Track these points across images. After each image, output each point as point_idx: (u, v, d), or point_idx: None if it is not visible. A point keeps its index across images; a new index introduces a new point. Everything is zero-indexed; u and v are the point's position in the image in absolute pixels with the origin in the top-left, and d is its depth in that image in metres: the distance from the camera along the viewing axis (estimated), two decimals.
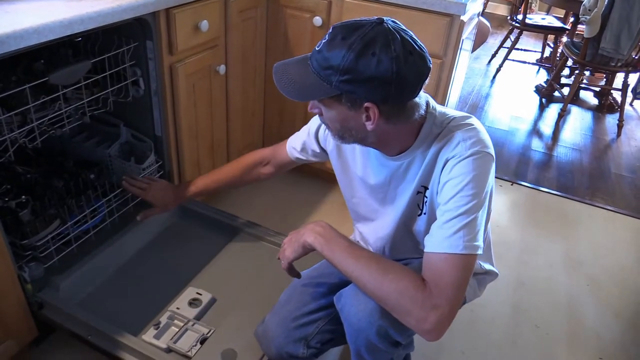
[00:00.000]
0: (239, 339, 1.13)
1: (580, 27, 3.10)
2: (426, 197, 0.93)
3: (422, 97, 0.87)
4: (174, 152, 1.50)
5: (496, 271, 1.13)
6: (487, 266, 1.11)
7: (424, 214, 0.95)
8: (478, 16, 1.93)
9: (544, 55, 3.88)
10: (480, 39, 2.62)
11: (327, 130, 0.97)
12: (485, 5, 4.30)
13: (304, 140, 1.16)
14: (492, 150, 0.87)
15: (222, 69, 1.55)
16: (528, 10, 3.42)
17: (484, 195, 0.83)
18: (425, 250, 0.83)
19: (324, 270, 1.11)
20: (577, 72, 2.98)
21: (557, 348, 1.50)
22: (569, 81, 3.36)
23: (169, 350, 1.10)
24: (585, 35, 2.71)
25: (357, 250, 0.87)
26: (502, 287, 1.68)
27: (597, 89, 3.39)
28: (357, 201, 1.09)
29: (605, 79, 3.37)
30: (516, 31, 3.55)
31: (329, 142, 1.09)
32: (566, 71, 3.53)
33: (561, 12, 4.02)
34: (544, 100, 3.34)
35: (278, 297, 1.12)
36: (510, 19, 3.54)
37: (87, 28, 1.04)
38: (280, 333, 1.04)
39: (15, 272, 1.10)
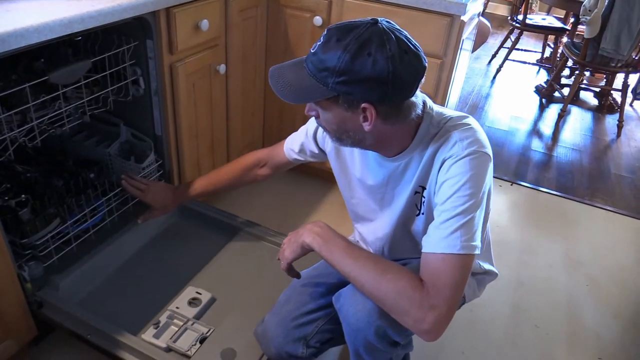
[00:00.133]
0: (239, 338, 1.13)
1: (581, 27, 3.10)
2: (424, 197, 0.93)
3: (419, 97, 0.87)
4: (174, 152, 1.50)
5: (496, 271, 1.13)
6: (487, 266, 1.11)
7: (422, 214, 0.95)
8: (478, 16, 1.93)
9: (544, 56, 3.88)
10: (480, 39, 2.62)
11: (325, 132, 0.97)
12: (485, 5, 4.30)
13: (302, 141, 1.16)
14: (489, 150, 0.87)
15: (222, 68, 1.55)
16: (528, 11, 3.42)
17: (481, 195, 0.83)
18: (422, 250, 0.83)
19: (323, 270, 1.11)
20: (577, 72, 2.98)
21: (557, 348, 1.50)
22: (569, 81, 3.36)
23: (168, 349, 1.09)
24: (585, 36, 2.72)
25: (355, 251, 0.87)
26: (502, 287, 1.68)
27: (597, 89, 3.39)
28: (356, 202, 1.09)
29: (605, 80, 3.37)
30: (516, 31, 3.55)
31: (328, 142, 1.09)
32: (566, 71, 3.53)
33: (561, 13, 4.02)
34: (544, 100, 3.34)
35: (277, 297, 1.12)
36: (510, 19, 3.54)
37: (87, 27, 1.04)
38: (280, 333, 1.04)
39: (15, 271, 1.10)
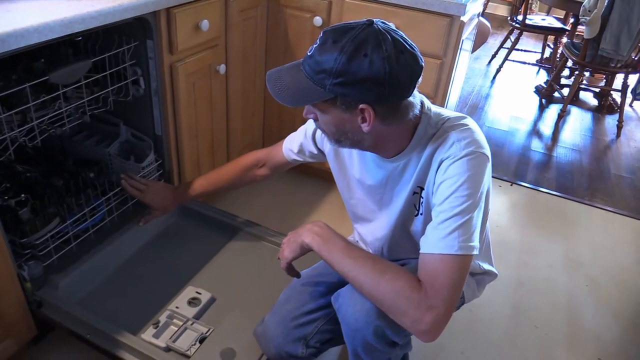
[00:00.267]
0: (238, 338, 1.13)
1: (580, 28, 3.10)
2: (422, 198, 0.93)
3: (417, 97, 0.87)
4: (174, 152, 1.50)
5: (495, 271, 1.13)
6: (487, 266, 1.11)
7: (421, 214, 0.95)
8: (478, 17, 1.94)
9: (544, 56, 3.88)
10: (480, 40, 2.62)
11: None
12: (485, 5, 4.30)
13: (301, 141, 1.16)
14: (487, 151, 0.87)
15: (222, 68, 1.55)
16: (528, 11, 3.42)
17: (479, 196, 0.83)
18: (420, 251, 0.83)
19: (323, 270, 1.11)
20: (576, 72, 2.98)
21: (557, 348, 1.50)
22: (569, 82, 3.36)
23: (168, 349, 1.10)
24: (585, 36, 2.72)
25: (354, 251, 0.87)
26: (502, 287, 1.68)
27: (597, 89, 3.40)
28: (355, 202, 1.09)
29: (605, 80, 3.38)
30: (516, 32, 3.55)
31: (326, 143, 1.09)
32: (566, 72, 3.53)
33: (561, 13, 4.02)
34: (543, 100, 3.34)
35: (277, 296, 1.12)
36: (510, 19, 3.54)
37: (87, 27, 1.04)
38: (280, 333, 1.04)
39: (14, 270, 1.10)
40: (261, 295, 1.23)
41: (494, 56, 3.88)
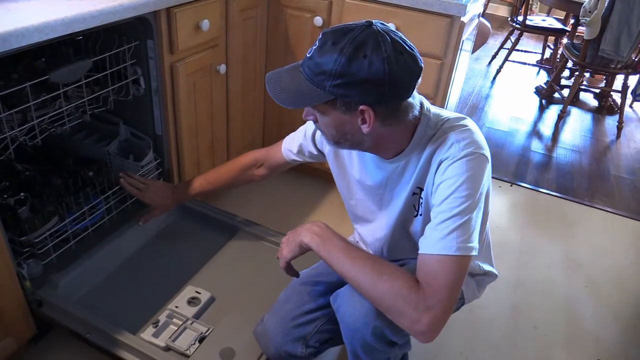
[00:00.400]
0: (238, 338, 1.13)
1: (581, 28, 3.11)
2: (421, 199, 0.93)
3: (416, 98, 0.87)
4: (174, 151, 1.51)
5: (495, 272, 1.13)
6: (487, 267, 1.11)
7: (420, 215, 0.95)
8: (478, 17, 1.94)
9: (544, 57, 3.89)
10: (480, 40, 2.63)
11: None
12: (485, 6, 4.31)
13: (301, 142, 1.16)
14: (486, 152, 0.87)
15: (222, 68, 1.55)
16: (528, 12, 3.42)
17: (478, 196, 0.83)
18: (419, 251, 0.83)
19: (322, 270, 1.11)
20: (577, 73, 2.98)
21: (556, 349, 1.50)
22: (569, 83, 3.36)
23: (167, 348, 1.10)
24: (585, 37, 2.72)
25: (352, 251, 0.87)
26: (501, 288, 1.68)
27: (597, 90, 3.40)
28: (355, 203, 1.09)
29: (605, 81, 3.38)
30: (517, 32, 3.55)
31: (326, 144, 1.09)
32: (566, 73, 3.53)
33: (561, 14, 4.02)
34: (543, 101, 3.34)
35: (277, 296, 1.12)
36: (510, 20, 3.54)
37: (88, 27, 1.04)
38: (279, 332, 1.04)
39: (14, 269, 1.10)
40: (261, 295, 1.23)
41: (494, 57, 3.88)
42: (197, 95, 1.50)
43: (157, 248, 1.42)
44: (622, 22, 2.56)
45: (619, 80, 3.25)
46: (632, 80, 3.20)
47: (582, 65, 2.86)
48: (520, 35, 3.53)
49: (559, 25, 3.50)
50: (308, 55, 0.82)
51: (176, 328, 1.15)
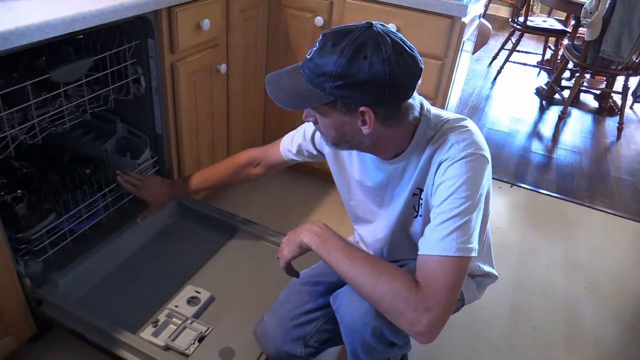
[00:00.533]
0: (237, 337, 1.13)
1: (581, 30, 3.10)
2: (421, 199, 0.93)
3: (416, 99, 0.87)
4: (174, 151, 1.51)
5: (496, 273, 1.13)
6: (487, 268, 1.11)
7: (420, 215, 0.95)
8: (479, 18, 1.94)
9: (545, 58, 3.88)
10: (481, 41, 2.63)
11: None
12: (486, 7, 4.31)
13: (300, 142, 1.16)
14: (486, 153, 0.87)
15: (223, 68, 1.55)
16: (529, 13, 3.42)
17: (478, 197, 0.83)
18: (419, 252, 0.83)
19: (322, 270, 1.11)
20: (577, 74, 2.98)
21: (555, 350, 1.50)
22: (570, 84, 3.36)
23: (167, 348, 1.10)
24: (586, 38, 2.72)
25: (352, 251, 0.87)
26: (501, 289, 1.68)
27: (598, 91, 3.40)
28: (355, 204, 1.09)
29: (605, 82, 3.38)
30: (517, 33, 3.55)
31: (325, 145, 1.09)
32: (567, 74, 3.53)
33: (562, 15, 4.02)
34: (544, 102, 3.34)
35: (277, 296, 1.12)
36: (511, 21, 3.54)
37: (89, 26, 1.04)
38: (279, 332, 1.04)
39: (14, 268, 1.10)
40: (260, 295, 1.23)
41: (494, 57, 3.88)
42: (197, 95, 1.50)
43: (157, 248, 1.42)
44: (623, 24, 2.56)
45: (619, 82, 3.25)
46: (633, 81, 3.20)
47: (583, 66, 2.85)
48: (521, 36, 3.53)
49: (559, 26, 3.50)
50: (308, 57, 0.82)
51: (176, 327, 1.15)
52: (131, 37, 1.27)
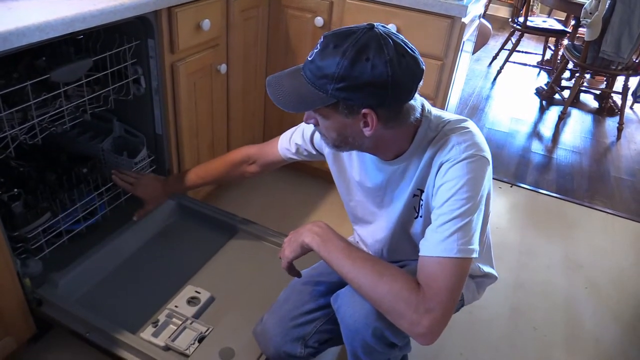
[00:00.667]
0: (237, 337, 1.13)
1: (581, 30, 3.10)
2: (422, 200, 0.93)
3: (418, 100, 0.87)
4: (174, 151, 1.51)
5: (495, 274, 1.12)
6: (487, 269, 1.10)
7: (420, 217, 0.95)
8: (479, 18, 1.94)
9: (545, 58, 3.89)
10: (481, 41, 2.63)
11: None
12: (486, 7, 4.31)
13: (299, 142, 1.15)
14: (487, 154, 0.87)
15: (223, 68, 1.55)
16: (529, 13, 3.42)
17: (479, 199, 0.83)
18: (420, 253, 0.83)
19: (323, 270, 1.11)
20: (577, 75, 2.98)
21: (555, 350, 1.50)
22: (570, 84, 3.36)
23: (167, 348, 1.10)
24: (586, 39, 2.72)
25: (353, 252, 0.87)
26: (501, 289, 1.68)
27: (598, 92, 3.40)
28: (355, 204, 1.09)
29: (605, 82, 3.38)
30: (517, 33, 3.55)
31: (325, 145, 1.08)
32: (567, 74, 3.53)
33: (562, 15, 4.02)
34: (544, 102, 3.34)
35: (277, 296, 1.12)
36: (511, 21, 3.54)
37: (89, 26, 1.04)
38: (278, 332, 1.04)
39: (14, 268, 1.10)
40: (260, 295, 1.23)
41: (494, 58, 3.88)
42: (197, 95, 1.50)
43: (157, 248, 1.42)
44: (623, 24, 2.56)
45: (619, 82, 3.25)
46: (633, 81, 3.20)
47: (583, 66, 2.85)
48: (521, 36, 3.53)
49: (559, 27, 3.50)
50: (309, 59, 0.82)
51: (176, 328, 1.15)
52: (131, 38, 1.27)
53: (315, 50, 0.81)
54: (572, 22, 3.60)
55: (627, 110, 3.22)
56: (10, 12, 0.95)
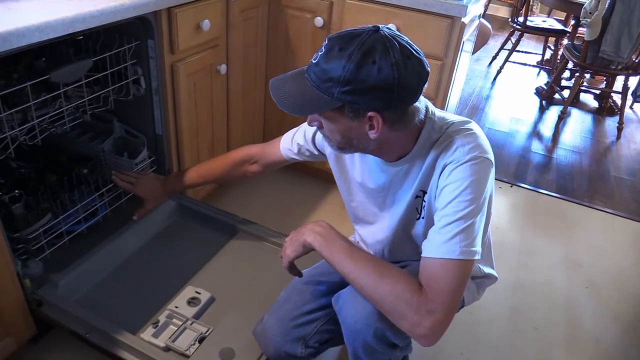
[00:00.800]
0: (238, 338, 1.13)
1: (581, 30, 3.10)
2: (424, 202, 0.93)
3: (422, 102, 0.87)
4: (175, 151, 1.51)
5: (496, 275, 1.12)
6: (487, 270, 1.10)
7: (422, 218, 0.95)
8: (479, 18, 1.94)
9: (545, 58, 3.89)
10: (481, 41, 2.63)
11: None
12: (486, 7, 4.31)
13: (301, 143, 1.15)
14: (491, 156, 0.87)
15: (223, 68, 1.55)
16: (529, 13, 3.42)
17: (482, 201, 0.83)
18: (422, 255, 0.83)
19: (324, 269, 1.11)
20: (577, 74, 2.98)
21: (555, 350, 1.50)
22: (570, 84, 3.36)
23: (167, 349, 1.09)
24: (585, 38, 2.72)
25: (355, 252, 0.87)
26: (501, 289, 1.68)
27: (597, 91, 3.40)
28: (356, 205, 1.09)
29: (605, 82, 3.38)
30: (517, 33, 3.55)
31: (327, 146, 1.08)
32: (567, 74, 3.53)
33: (562, 15, 4.02)
34: (544, 102, 3.34)
35: (277, 296, 1.12)
36: (511, 21, 3.54)
37: (89, 26, 1.04)
38: (279, 332, 1.04)
39: (14, 269, 1.10)
40: (261, 295, 1.23)
41: (494, 58, 3.88)
42: (197, 95, 1.50)
43: (157, 248, 1.42)
44: (623, 24, 2.56)
45: (619, 82, 3.25)
46: (633, 81, 3.20)
47: (583, 66, 2.86)
48: (521, 36, 3.53)
49: (559, 26, 3.50)
50: (314, 62, 0.81)
51: (176, 328, 1.14)
52: (131, 38, 1.27)
53: (320, 53, 0.80)
54: (572, 22, 3.60)
55: (627, 109, 3.22)
56: (10, 13, 0.95)
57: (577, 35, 3.42)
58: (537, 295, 1.69)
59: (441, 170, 0.86)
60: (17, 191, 1.22)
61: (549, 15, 4.22)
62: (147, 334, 1.12)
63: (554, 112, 3.22)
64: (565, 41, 3.48)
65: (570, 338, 1.55)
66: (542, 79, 3.74)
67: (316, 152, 1.14)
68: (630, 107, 3.39)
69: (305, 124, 1.13)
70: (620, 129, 2.95)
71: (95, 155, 1.48)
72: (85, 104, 1.23)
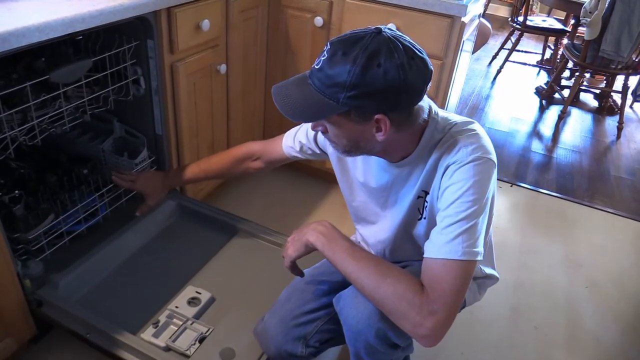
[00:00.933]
0: (238, 338, 1.13)
1: (581, 29, 3.10)
2: (426, 202, 0.93)
3: (425, 101, 0.86)
4: (175, 151, 1.50)
5: (497, 275, 1.12)
6: (488, 270, 1.10)
7: (424, 218, 0.95)
8: (479, 17, 1.94)
9: (545, 57, 3.89)
10: (481, 41, 2.63)
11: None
12: (486, 6, 4.30)
13: (303, 142, 1.15)
14: (493, 157, 0.87)
15: (222, 68, 1.55)
16: (529, 12, 3.42)
17: (484, 201, 0.83)
18: (424, 255, 0.83)
19: (326, 269, 1.11)
20: (577, 74, 2.98)
21: (556, 350, 1.50)
22: (569, 83, 3.36)
23: (167, 349, 1.09)
24: (585, 38, 2.72)
25: (357, 252, 0.87)
26: (501, 289, 1.68)
27: (597, 91, 3.40)
28: (358, 205, 1.09)
29: (605, 82, 3.38)
30: (517, 33, 3.55)
31: (329, 146, 1.08)
32: (566, 73, 3.53)
33: (562, 14, 4.02)
34: (544, 102, 3.34)
35: (277, 296, 1.12)
36: (511, 20, 3.54)
37: (88, 26, 1.04)
38: (279, 332, 1.04)
39: (14, 269, 1.10)
40: (261, 295, 1.23)
41: (494, 57, 3.88)
42: (197, 95, 1.50)
43: (157, 248, 1.42)
44: (623, 23, 2.56)
45: (619, 81, 3.25)
46: (633, 80, 3.20)
47: (583, 65, 2.85)
48: (521, 35, 3.53)
49: (559, 26, 3.50)
50: (317, 67, 0.80)
51: (176, 328, 1.14)
52: (131, 38, 1.27)
53: (323, 58, 0.79)
54: (572, 22, 3.60)
55: (626, 109, 3.22)
56: (10, 13, 0.95)
57: (577, 34, 3.42)
58: (537, 295, 1.69)
59: (444, 171, 0.86)
60: (17, 192, 1.22)
61: (548, 14, 4.22)
62: (148, 334, 1.12)
63: (554, 111, 3.22)
64: (565, 41, 3.48)
65: (571, 338, 1.55)
66: (542, 78, 3.74)
67: (318, 151, 1.14)
68: (630, 107, 3.39)
69: (307, 124, 1.13)
70: (620, 128, 2.95)
71: (95, 155, 1.48)
72: (85, 104, 1.23)
